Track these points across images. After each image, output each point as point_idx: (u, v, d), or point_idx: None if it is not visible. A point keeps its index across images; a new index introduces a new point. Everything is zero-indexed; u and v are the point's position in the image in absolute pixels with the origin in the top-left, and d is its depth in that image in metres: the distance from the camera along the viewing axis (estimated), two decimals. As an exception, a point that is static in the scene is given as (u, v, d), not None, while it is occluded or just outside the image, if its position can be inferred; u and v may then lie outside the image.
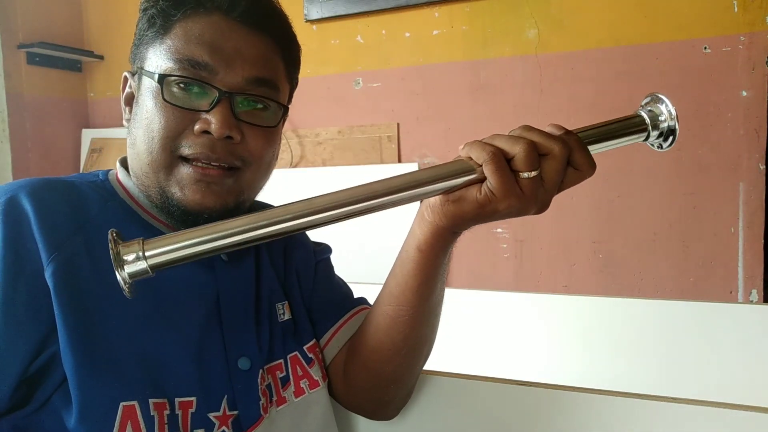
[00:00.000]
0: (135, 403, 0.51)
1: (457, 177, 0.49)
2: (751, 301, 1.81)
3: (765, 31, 1.77)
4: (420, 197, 0.49)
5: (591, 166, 0.51)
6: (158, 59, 0.57)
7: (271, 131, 0.60)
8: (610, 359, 1.66)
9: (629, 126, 0.55)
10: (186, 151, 0.56)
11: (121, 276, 0.42)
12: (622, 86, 1.86)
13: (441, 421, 0.76)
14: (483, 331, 1.76)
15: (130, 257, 0.42)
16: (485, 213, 0.50)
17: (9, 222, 0.52)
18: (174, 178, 0.57)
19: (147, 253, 0.42)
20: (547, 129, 0.51)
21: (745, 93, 1.80)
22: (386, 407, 0.72)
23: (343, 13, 2.00)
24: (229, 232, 0.45)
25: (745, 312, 1.44)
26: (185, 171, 0.56)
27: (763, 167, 1.79)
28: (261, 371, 0.61)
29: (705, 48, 1.82)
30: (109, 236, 0.43)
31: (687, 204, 1.82)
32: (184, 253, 0.44)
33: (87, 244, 0.54)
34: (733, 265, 1.81)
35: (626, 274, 1.85)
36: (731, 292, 1.82)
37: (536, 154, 0.48)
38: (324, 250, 0.79)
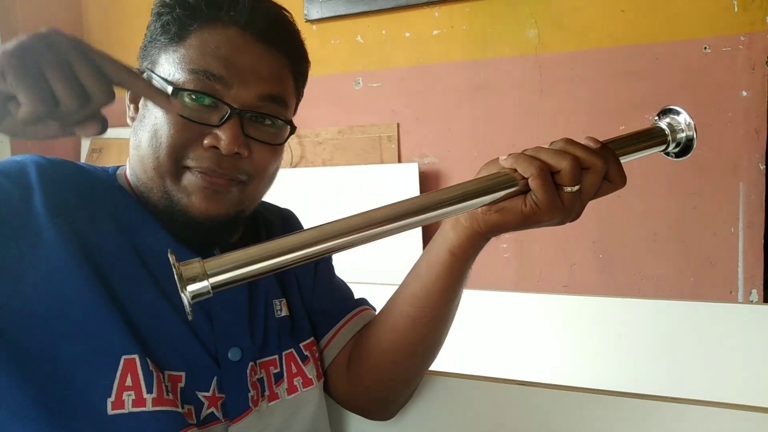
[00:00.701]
0: (136, 356, 0.52)
1: (502, 189, 0.50)
2: (751, 302, 1.81)
3: (765, 31, 1.78)
4: (468, 209, 0.50)
5: (624, 179, 0.53)
6: (171, 67, 0.57)
7: (277, 147, 0.62)
8: (610, 359, 1.66)
9: (651, 137, 0.57)
10: (192, 163, 0.57)
11: (186, 297, 0.41)
12: (622, 87, 1.86)
13: (438, 420, 0.76)
14: (482, 331, 1.76)
15: (193, 277, 0.42)
16: (527, 223, 0.52)
17: (12, 183, 0.53)
18: (180, 185, 0.57)
19: (209, 272, 0.42)
20: (584, 142, 0.53)
21: (745, 93, 1.80)
22: (389, 407, 0.73)
23: (343, 13, 2.00)
24: (290, 247, 0.44)
25: (745, 312, 1.44)
26: (192, 178, 0.57)
27: (763, 167, 1.79)
28: (252, 364, 0.61)
29: (705, 48, 1.82)
30: (170, 257, 0.43)
31: (687, 204, 1.82)
32: (245, 271, 0.43)
33: (92, 221, 0.56)
34: (733, 266, 1.81)
35: (626, 274, 1.86)
36: (731, 293, 1.82)
37: (580, 170, 0.50)
38: None
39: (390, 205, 0.47)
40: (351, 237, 0.45)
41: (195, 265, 0.42)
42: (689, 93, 1.82)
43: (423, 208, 0.48)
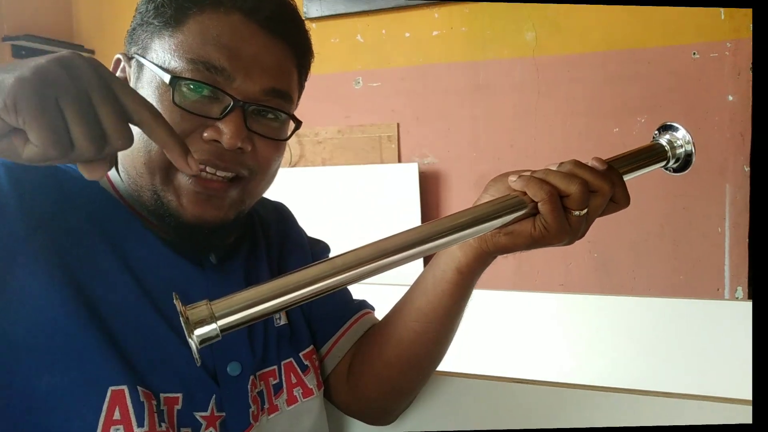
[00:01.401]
0: (125, 387, 0.48)
1: (511, 212, 0.50)
2: (737, 298, 1.88)
3: (750, 38, 1.85)
4: (479, 234, 0.50)
5: (628, 200, 0.53)
6: (167, 55, 0.52)
7: (281, 142, 0.58)
8: (605, 355, 1.71)
9: (653, 155, 0.58)
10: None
11: (194, 342, 0.39)
12: (617, 90, 1.91)
13: (437, 419, 0.76)
14: (481, 330, 1.79)
15: (200, 321, 0.39)
16: (535, 246, 0.52)
17: None
18: (171, 184, 0.52)
19: (217, 314, 0.40)
20: (591, 164, 0.52)
21: (731, 98, 1.87)
22: (391, 414, 0.72)
23: (343, 11, 1.99)
24: (301, 283, 0.42)
25: (731, 309, 1.51)
26: (185, 180, 0.52)
27: (748, 169, 1.87)
28: (252, 377, 0.58)
29: (694, 54, 1.88)
30: (174, 299, 0.40)
31: (677, 205, 1.89)
32: (254, 311, 0.41)
33: (74, 231, 0.51)
34: (720, 264, 1.88)
35: (620, 272, 1.91)
36: (718, 290, 1.89)
37: (588, 194, 0.50)
38: (322, 249, 0.76)
39: (401, 233, 0.46)
40: (363, 269, 0.44)
41: (202, 308, 0.40)
42: (679, 97, 1.88)
43: (434, 235, 0.47)
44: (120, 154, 0.56)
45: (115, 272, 0.52)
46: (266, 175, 0.58)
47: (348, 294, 0.75)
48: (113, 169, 0.58)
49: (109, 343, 0.48)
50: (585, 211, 0.50)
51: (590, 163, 0.53)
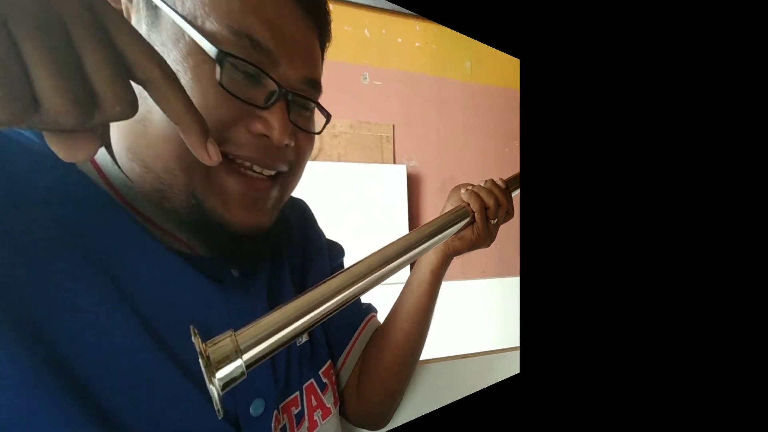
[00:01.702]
0: None
1: (461, 220, 0.59)
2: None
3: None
4: (445, 238, 0.57)
5: (513, 212, 0.66)
6: (198, 10, 0.38)
7: (314, 136, 0.50)
8: (505, 321, 2.27)
9: (518, 180, 0.70)
10: (236, 150, 0.41)
11: (216, 388, 0.31)
12: (505, 118, 2.45)
13: (417, 406, 0.81)
14: (446, 313, 2.07)
15: (224, 359, 0.32)
16: (474, 248, 0.65)
17: None
18: (213, 185, 0.42)
19: (242, 346, 0.33)
20: (498, 183, 0.64)
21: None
22: (386, 417, 0.73)
23: (354, 0, 1.81)
24: (327, 295, 0.39)
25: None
26: (230, 180, 0.42)
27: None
28: (276, 413, 0.49)
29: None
30: (193, 334, 0.32)
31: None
32: (281, 336, 0.35)
33: (27, 232, 0.35)
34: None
35: (509, 259, 2.49)
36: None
37: (498, 206, 0.62)
38: (338, 252, 0.72)
39: (397, 241, 0.49)
40: (374, 275, 0.44)
41: (225, 342, 0.33)
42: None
43: (420, 241, 0.51)
44: (132, 138, 0.40)
45: (97, 292, 0.37)
46: (301, 168, 0.50)
47: (358, 299, 0.69)
48: (105, 155, 0.42)
49: (83, 403, 0.35)
50: (496, 220, 0.62)
51: (497, 181, 0.64)
